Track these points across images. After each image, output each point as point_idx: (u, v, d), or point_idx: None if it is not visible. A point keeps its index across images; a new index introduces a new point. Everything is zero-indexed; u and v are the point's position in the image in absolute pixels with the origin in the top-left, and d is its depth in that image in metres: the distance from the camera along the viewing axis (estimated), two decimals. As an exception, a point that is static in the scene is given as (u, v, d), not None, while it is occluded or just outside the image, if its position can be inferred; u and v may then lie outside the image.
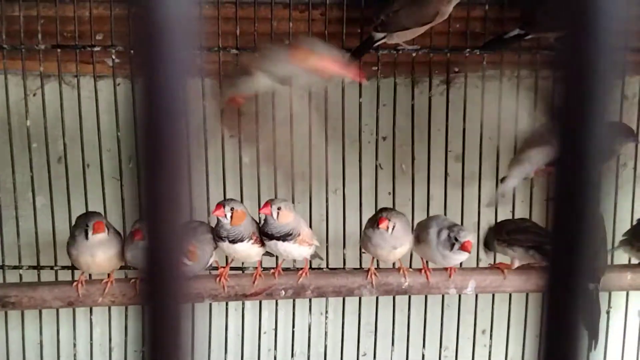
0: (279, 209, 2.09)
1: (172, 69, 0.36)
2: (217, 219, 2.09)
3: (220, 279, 2.18)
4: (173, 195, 0.37)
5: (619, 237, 2.31)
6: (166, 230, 0.38)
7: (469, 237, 2.07)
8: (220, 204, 2.08)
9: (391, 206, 2.34)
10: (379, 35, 2.22)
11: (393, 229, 2.07)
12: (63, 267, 2.45)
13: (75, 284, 2.16)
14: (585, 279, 0.37)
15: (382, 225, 2.05)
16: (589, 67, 0.36)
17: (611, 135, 2.20)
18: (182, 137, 0.37)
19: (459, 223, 2.21)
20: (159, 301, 0.39)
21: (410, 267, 2.31)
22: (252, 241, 2.12)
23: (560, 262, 0.37)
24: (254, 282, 2.20)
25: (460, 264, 2.28)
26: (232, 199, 2.15)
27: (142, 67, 0.36)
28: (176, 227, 0.38)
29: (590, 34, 0.36)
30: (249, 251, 2.13)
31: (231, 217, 2.08)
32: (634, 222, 2.33)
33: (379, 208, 2.27)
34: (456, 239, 2.06)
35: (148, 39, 0.36)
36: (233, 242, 2.10)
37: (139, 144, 0.38)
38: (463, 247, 2.05)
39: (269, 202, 2.09)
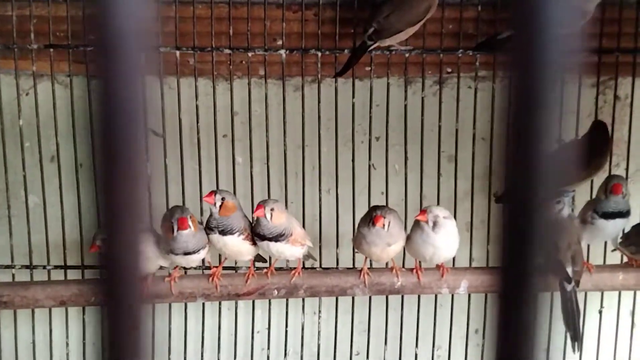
0: (272, 210, 2.09)
1: (129, 69, 0.36)
2: (210, 210, 2.10)
3: (213, 279, 2.18)
4: (131, 198, 0.37)
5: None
6: (124, 233, 0.38)
7: (381, 212, 2.07)
8: (212, 192, 2.09)
9: (384, 206, 2.34)
10: (372, 42, 2.23)
11: (388, 225, 2.08)
12: (55, 267, 2.45)
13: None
14: (537, 281, 0.37)
15: (379, 224, 2.06)
16: (537, 68, 0.36)
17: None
18: (140, 139, 0.37)
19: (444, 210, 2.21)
20: (117, 302, 0.39)
21: (403, 267, 2.31)
22: (242, 237, 2.11)
23: (512, 265, 0.38)
24: (246, 282, 2.20)
25: (453, 262, 2.29)
26: (225, 190, 2.15)
27: (99, 68, 0.36)
28: (134, 229, 0.38)
29: (538, 36, 0.36)
30: (239, 247, 2.13)
31: (220, 206, 2.08)
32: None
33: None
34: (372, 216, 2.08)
35: (104, 39, 0.36)
36: (223, 233, 2.09)
37: (95, 146, 0.38)
38: (373, 222, 2.05)
39: (262, 204, 2.09)
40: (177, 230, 2.04)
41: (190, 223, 2.05)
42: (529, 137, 0.35)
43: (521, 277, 0.36)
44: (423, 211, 2.10)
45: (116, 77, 0.36)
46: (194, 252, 2.09)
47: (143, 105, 0.36)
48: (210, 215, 2.11)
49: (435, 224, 2.08)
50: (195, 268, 2.32)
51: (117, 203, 0.36)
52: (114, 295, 0.38)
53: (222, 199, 2.08)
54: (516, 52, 0.35)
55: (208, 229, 2.11)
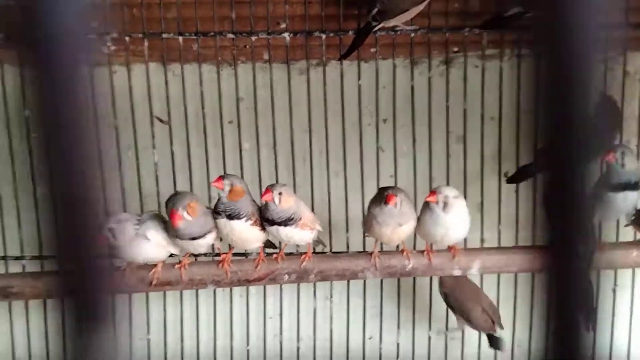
0: (280, 194, 2.07)
1: (65, 59, 0.34)
2: (218, 194, 2.09)
3: (222, 265, 2.17)
4: (81, 190, 0.36)
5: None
6: (78, 226, 0.37)
7: (393, 191, 2.06)
8: (220, 177, 2.07)
9: (393, 189, 2.32)
10: (377, 23, 2.20)
11: (400, 204, 2.06)
12: (65, 257, 2.44)
13: (179, 266, 2.17)
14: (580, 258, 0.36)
15: (391, 202, 2.04)
16: (569, 45, 0.34)
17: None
18: (84, 126, 0.35)
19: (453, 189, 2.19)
20: (78, 294, 0.38)
21: (414, 249, 2.29)
22: (250, 222, 2.10)
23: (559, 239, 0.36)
24: (256, 267, 2.19)
25: (465, 244, 2.27)
26: (233, 175, 2.14)
27: (34, 59, 0.34)
28: (89, 222, 0.37)
29: (566, 12, 0.34)
30: (247, 233, 2.11)
31: (229, 191, 2.07)
32: None
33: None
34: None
35: (38, 29, 0.35)
36: (230, 217, 2.08)
37: (39, 135, 0.36)
38: (385, 200, 2.04)
39: (270, 188, 2.08)
40: (173, 225, 2.03)
41: (184, 214, 2.03)
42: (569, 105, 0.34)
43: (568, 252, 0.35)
44: (433, 192, 2.08)
45: (57, 68, 0.34)
46: (200, 237, 2.08)
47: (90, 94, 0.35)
48: (219, 199, 2.10)
49: (445, 204, 2.06)
50: (205, 255, 2.31)
51: (70, 195, 0.34)
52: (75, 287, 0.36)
53: (231, 183, 2.07)
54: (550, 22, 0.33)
55: (216, 213, 2.10)
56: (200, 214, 2.08)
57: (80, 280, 0.37)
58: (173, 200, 2.07)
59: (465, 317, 2.38)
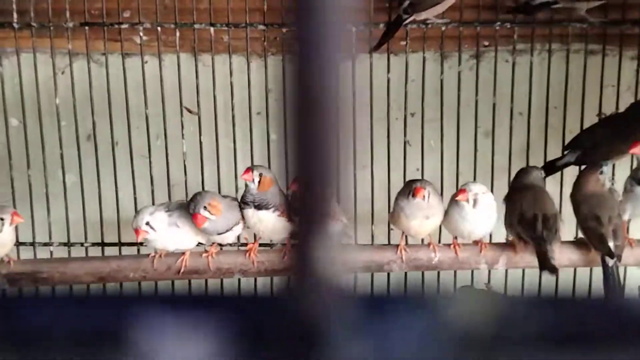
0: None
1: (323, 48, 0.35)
2: (245, 184, 2.10)
3: (249, 254, 2.18)
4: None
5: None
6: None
7: (421, 184, 2.07)
8: (249, 169, 2.09)
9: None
10: (408, 16, 2.20)
11: (428, 197, 2.06)
12: (93, 244, 2.47)
13: (206, 255, 2.19)
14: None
15: (419, 195, 2.04)
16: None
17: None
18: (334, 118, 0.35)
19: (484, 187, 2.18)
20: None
21: (440, 243, 2.29)
22: (278, 213, 2.11)
23: None
24: (283, 258, 2.19)
25: (490, 238, 2.26)
26: (261, 165, 2.15)
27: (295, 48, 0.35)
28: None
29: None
30: (274, 223, 2.12)
31: (259, 182, 2.08)
32: None
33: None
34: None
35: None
36: (258, 207, 2.09)
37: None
38: (413, 193, 2.04)
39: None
40: (198, 227, 2.06)
41: (207, 214, 2.04)
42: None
43: None
44: (462, 190, 2.08)
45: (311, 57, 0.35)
46: (225, 231, 2.10)
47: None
48: (246, 188, 2.11)
49: (474, 201, 2.07)
50: (231, 245, 2.32)
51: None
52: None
53: (260, 174, 2.08)
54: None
55: (243, 203, 2.11)
56: (224, 211, 2.09)
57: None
58: (193, 202, 2.08)
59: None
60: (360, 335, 0.34)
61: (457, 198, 2.07)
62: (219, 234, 2.10)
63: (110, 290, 2.34)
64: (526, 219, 2.10)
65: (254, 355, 0.35)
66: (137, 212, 2.13)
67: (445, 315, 0.33)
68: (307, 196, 0.37)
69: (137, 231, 2.06)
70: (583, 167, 2.29)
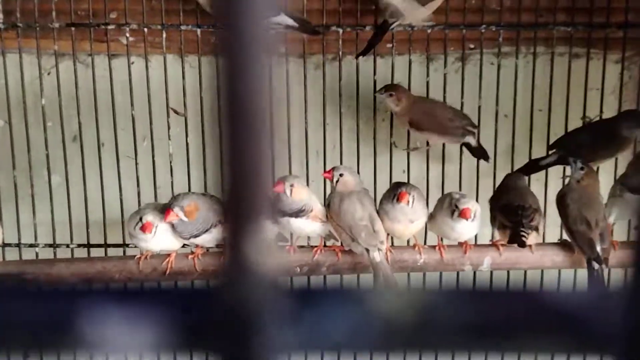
0: (291, 185, 2.09)
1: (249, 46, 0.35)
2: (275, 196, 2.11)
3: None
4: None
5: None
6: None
7: (469, 204, 2.07)
8: (280, 181, 2.08)
9: (406, 184, 2.33)
10: (394, 20, 2.21)
11: (413, 202, 2.08)
12: (79, 245, 2.46)
13: (192, 256, 2.19)
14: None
15: (404, 201, 2.06)
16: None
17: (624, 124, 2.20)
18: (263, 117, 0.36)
19: (474, 199, 2.21)
20: None
21: (425, 244, 2.30)
22: (310, 218, 2.14)
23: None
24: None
25: (475, 239, 2.28)
26: (291, 175, 2.18)
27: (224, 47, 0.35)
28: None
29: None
30: (310, 227, 2.17)
31: (291, 192, 2.09)
32: None
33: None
34: (456, 206, 2.06)
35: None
36: (295, 216, 2.12)
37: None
38: (462, 214, 2.05)
39: (282, 180, 2.09)
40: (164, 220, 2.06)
41: (180, 214, 2.04)
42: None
43: None
44: (466, 210, 2.06)
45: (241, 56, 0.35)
46: (200, 234, 2.10)
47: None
48: (278, 198, 2.11)
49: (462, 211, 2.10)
50: (217, 246, 2.32)
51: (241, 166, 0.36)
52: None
53: (291, 185, 2.09)
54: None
55: (278, 212, 2.12)
56: (200, 216, 2.08)
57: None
58: (175, 199, 2.09)
59: None
60: (293, 325, 0.35)
61: (461, 217, 2.06)
62: (193, 236, 2.10)
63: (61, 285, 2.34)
64: (508, 207, 2.14)
65: (190, 346, 0.36)
66: (176, 196, 2.12)
67: (372, 307, 0.35)
68: (241, 196, 0.38)
69: (169, 211, 2.05)
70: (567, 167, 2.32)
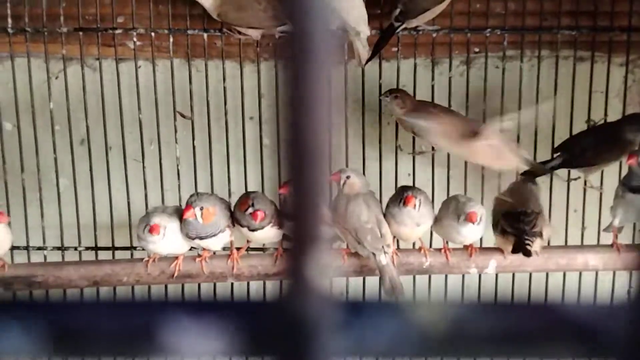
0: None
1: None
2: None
3: (231, 259, 2.21)
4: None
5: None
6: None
7: (475, 208, 2.08)
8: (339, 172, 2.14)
9: (411, 187, 2.35)
10: (399, 23, 2.23)
11: (419, 206, 2.09)
12: (87, 248, 2.48)
13: (200, 259, 2.22)
14: None
15: (410, 204, 2.07)
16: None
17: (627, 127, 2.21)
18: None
19: (479, 203, 2.22)
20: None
21: (431, 247, 2.32)
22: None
23: None
24: (275, 262, 2.22)
25: (481, 242, 2.29)
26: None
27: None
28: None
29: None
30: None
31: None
32: None
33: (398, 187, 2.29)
34: (463, 210, 2.08)
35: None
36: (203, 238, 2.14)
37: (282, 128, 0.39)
38: (468, 218, 2.06)
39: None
40: (183, 216, 2.08)
41: (198, 213, 2.05)
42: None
43: None
44: (472, 214, 2.07)
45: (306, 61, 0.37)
46: (207, 237, 2.12)
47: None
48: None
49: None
50: (224, 249, 2.34)
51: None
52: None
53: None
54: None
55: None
56: (213, 220, 2.10)
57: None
58: (194, 197, 2.10)
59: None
60: (343, 333, 0.38)
61: (468, 221, 2.07)
62: (201, 237, 2.11)
63: (118, 295, 2.36)
64: (510, 214, 2.14)
65: (254, 352, 0.38)
66: (198, 194, 2.14)
67: (409, 318, 0.38)
68: (300, 201, 0.38)
69: (189, 207, 2.06)
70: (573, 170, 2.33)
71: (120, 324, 0.38)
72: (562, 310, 0.38)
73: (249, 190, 2.35)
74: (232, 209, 2.20)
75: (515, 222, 2.11)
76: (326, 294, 0.37)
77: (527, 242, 2.05)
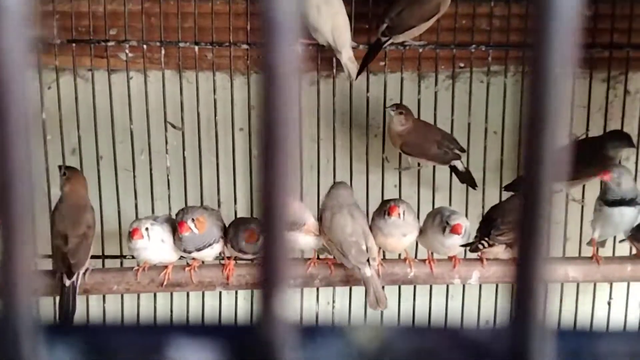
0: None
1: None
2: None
3: (225, 270, 2.24)
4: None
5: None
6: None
7: (460, 220, 2.13)
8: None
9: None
10: (387, 39, 2.28)
11: (404, 215, 2.14)
12: (77, 256, 2.51)
13: (189, 268, 2.25)
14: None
15: (394, 214, 2.12)
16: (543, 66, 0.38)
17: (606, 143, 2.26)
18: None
19: (464, 215, 2.27)
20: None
21: (416, 258, 2.36)
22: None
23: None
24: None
25: (465, 253, 2.34)
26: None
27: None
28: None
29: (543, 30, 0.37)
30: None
31: (195, 226, 2.13)
32: None
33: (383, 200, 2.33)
34: (447, 223, 2.12)
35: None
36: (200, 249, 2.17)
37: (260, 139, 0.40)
38: (453, 230, 2.11)
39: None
40: (180, 233, 2.11)
41: (192, 226, 2.09)
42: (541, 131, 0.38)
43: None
44: (457, 226, 2.12)
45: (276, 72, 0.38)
46: (203, 248, 2.16)
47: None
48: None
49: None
50: (216, 258, 2.38)
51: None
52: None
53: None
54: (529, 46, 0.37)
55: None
56: (206, 229, 2.14)
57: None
58: (183, 212, 2.14)
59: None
60: (302, 354, 0.42)
61: (452, 232, 2.12)
62: (197, 249, 2.15)
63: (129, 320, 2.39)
64: (486, 220, 2.20)
65: None
66: (184, 209, 2.19)
67: (352, 339, 0.43)
68: (270, 209, 0.39)
69: (183, 223, 2.10)
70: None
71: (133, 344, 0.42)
72: (460, 334, 0.43)
73: (236, 197, 2.40)
74: (227, 227, 2.23)
75: (487, 226, 2.16)
76: (290, 322, 0.41)
77: (483, 241, 2.11)
